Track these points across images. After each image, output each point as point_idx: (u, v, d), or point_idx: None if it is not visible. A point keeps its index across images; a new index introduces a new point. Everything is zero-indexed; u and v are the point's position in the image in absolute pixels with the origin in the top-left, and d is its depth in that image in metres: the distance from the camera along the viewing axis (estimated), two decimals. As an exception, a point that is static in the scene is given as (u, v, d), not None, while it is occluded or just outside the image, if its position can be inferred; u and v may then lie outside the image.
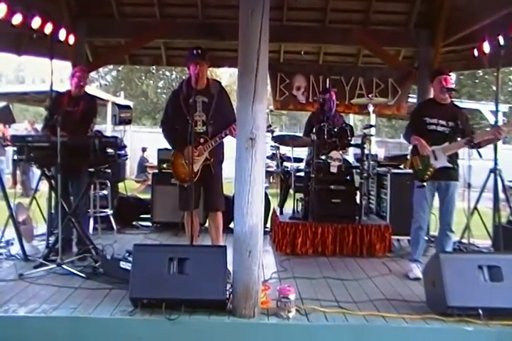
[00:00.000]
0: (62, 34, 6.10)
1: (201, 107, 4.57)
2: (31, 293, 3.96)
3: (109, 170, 6.05)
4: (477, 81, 25.66)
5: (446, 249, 4.73)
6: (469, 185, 5.09)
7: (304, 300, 3.94)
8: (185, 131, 4.39)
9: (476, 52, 6.33)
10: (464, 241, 5.71)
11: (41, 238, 5.81)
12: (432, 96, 5.26)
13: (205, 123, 4.58)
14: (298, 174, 6.38)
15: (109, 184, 6.49)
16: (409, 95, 8.50)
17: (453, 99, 4.76)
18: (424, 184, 4.71)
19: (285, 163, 6.85)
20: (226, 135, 4.49)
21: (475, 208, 5.74)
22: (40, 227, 6.02)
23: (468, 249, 5.44)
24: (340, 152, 5.97)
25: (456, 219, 4.87)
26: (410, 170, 4.99)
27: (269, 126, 5.71)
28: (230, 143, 4.31)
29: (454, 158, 4.78)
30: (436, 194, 4.86)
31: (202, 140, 4.55)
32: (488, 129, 4.86)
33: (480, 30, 6.40)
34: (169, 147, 6.90)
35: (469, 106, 14.13)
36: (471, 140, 4.47)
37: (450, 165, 4.72)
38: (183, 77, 28.68)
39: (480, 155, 4.53)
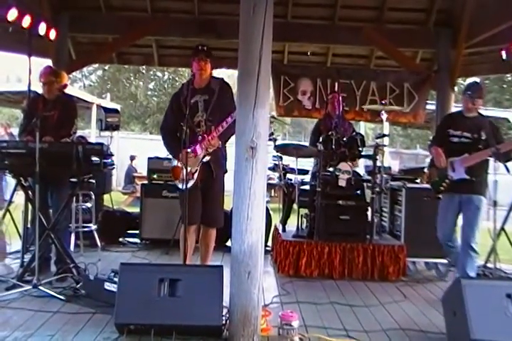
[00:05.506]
0: (42, 28, 6.10)
1: (203, 106, 4.61)
2: (2, 318, 3.92)
3: (94, 181, 6.06)
4: (505, 86, 25.78)
5: (468, 272, 4.73)
6: (495, 203, 5.03)
7: (308, 327, 3.93)
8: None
9: (503, 54, 6.38)
10: (490, 265, 5.66)
11: (15, 256, 5.80)
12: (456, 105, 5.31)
13: (206, 122, 4.61)
14: (302, 187, 6.40)
15: (93, 196, 6.48)
16: (427, 102, 8.54)
17: (477, 107, 4.85)
18: (440, 196, 4.75)
19: (288, 175, 6.85)
20: (223, 126, 4.42)
21: (502, 229, 5.74)
22: (15, 244, 6.02)
23: (495, 274, 5.36)
24: (350, 164, 5.98)
25: (480, 241, 4.86)
26: (428, 185, 5.01)
27: (272, 133, 5.74)
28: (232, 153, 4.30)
29: (474, 170, 4.83)
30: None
31: (199, 138, 4.54)
32: None
33: (508, 29, 6.43)
34: (160, 156, 7.02)
35: (495, 114, 14.10)
36: (498, 149, 4.53)
37: (467, 177, 4.79)
38: (176, 78, 29.08)
39: (508, 170, 4.57)
